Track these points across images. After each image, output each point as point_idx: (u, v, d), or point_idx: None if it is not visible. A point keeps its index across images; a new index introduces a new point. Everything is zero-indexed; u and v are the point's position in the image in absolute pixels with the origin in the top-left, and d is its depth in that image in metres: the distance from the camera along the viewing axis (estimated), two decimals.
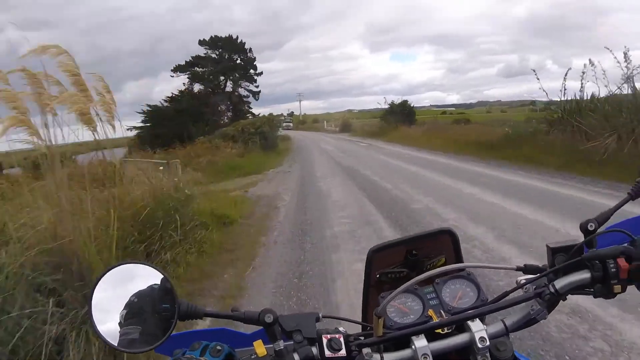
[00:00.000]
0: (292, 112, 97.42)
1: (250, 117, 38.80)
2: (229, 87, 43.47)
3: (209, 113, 36.41)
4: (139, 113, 32.21)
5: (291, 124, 69.97)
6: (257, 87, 44.63)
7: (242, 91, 44.01)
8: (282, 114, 74.64)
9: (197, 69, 41.57)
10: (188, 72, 41.12)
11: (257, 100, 45.17)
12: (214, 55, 42.53)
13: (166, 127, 29.02)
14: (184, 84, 40.95)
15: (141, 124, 32.33)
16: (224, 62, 42.09)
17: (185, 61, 41.91)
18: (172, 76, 41.39)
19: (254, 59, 44.72)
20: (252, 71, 44.62)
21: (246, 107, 43.94)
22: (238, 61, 43.33)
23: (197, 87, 41.55)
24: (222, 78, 42.18)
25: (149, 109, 32.78)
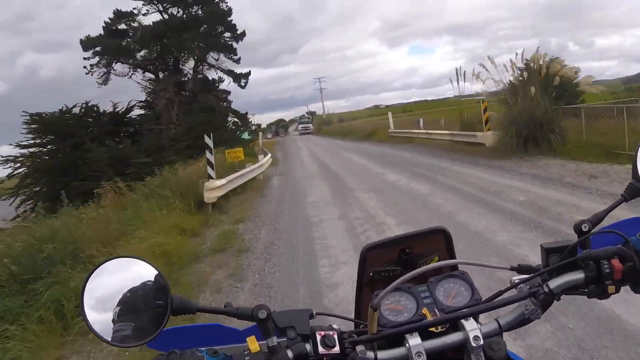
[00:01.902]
0: (313, 112, 74.65)
1: (230, 118, 27.77)
2: (188, 68, 27.16)
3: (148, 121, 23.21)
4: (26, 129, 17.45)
5: (310, 126, 52.48)
6: (236, 60, 27.68)
7: (211, 72, 28.26)
8: (302, 115, 62.84)
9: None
10: (100, 51, 24.40)
11: (242, 86, 28.51)
12: (150, 10, 25.21)
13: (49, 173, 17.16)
14: (91, 67, 24.80)
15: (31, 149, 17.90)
16: (173, 21, 25.08)
17: (104, 25, 24.72)
18: (87, 60, 24.80)
19: (229, 11, 26.66)
20: (226, 34, 27.29)
21: (221, 100, 28.53)
22: (200, 14, 25.88)
23: (122, 71, 25.68)
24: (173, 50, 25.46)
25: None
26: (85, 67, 25.12)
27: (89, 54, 24.59)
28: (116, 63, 25.66)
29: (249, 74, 29.11)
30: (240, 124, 30.12)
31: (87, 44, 24.41)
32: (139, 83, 26.21)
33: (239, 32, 27.47)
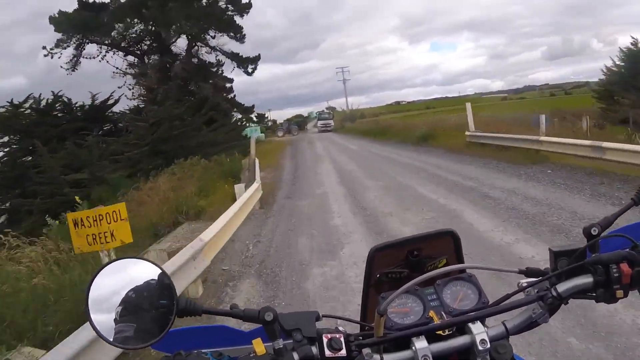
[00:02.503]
0: (333, 108, 64.19)
1: (235, 114, 23.24)
2: (178, 47, 21.43)
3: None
4: None
5: (331, 123, 44.72)
6: (242, 39, 21.82)
7: (208, 55, 22.67)
8: (321, 111, 54.08)
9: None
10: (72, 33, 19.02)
11: (249, 72, 23.17)
12: None
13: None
14: (50, 48, 19.53)
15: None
16: None
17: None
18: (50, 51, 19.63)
19: None
20: (228, 7, 21.30)
21: (220, 90, 22.85)
22: None
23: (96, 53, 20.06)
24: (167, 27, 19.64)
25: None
26: (44, 47, 19.78)
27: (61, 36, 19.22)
28: (88, 43, 20.34)
29: (258, 58, 23.22)
30: (244, 120, 25.85)
31: (58, 22, 18.23)
32: (117, 69, 20.66)
33: (243, 1, 20.25)
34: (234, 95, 25.84)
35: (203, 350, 0.74)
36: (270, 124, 50.78)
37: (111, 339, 0.70)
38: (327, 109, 60.04)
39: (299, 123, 53.16)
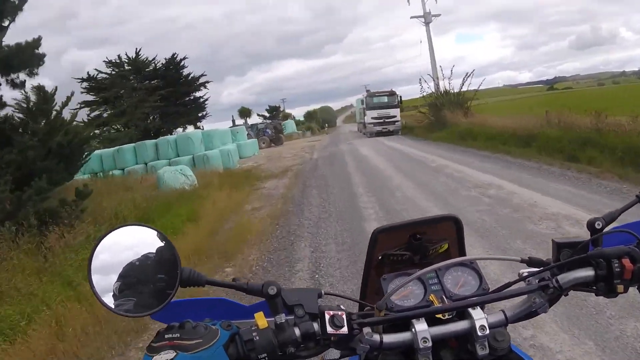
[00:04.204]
0: (393, 92, 28.86)
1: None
2: None
3: None
4: None
5: (395, 117, 26.13)
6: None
7: None
8: (371, 93, 28.22)
9: None
10: None
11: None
12: None
13: None
14: None
15: None
16: None
17: None
18: None
19: None
20: None
21: None
22: None
23: None
24: None
25: None
26: None
27: None
28: None
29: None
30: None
31: None
32: None
33: None
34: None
35: (213, 320, 0.74)
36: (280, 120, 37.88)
37: (113, 307, 0.70)
38: (378, 92, 28.43)
39: (274, 126, 33.10)
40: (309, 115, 55.69)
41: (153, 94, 26.38)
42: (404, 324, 0.78)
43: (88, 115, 25.59)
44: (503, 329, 0.79)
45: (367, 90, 28.68)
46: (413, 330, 0.76)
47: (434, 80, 23.77)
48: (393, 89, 27.70)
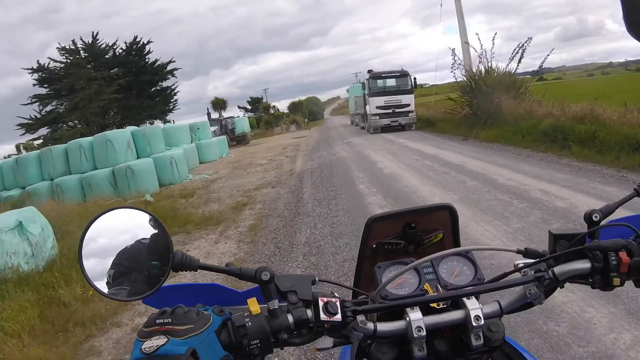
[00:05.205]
0: (405, 72, 20.84)
1: None
2: None
3: None
4: None
5: (408, 104, 19.71)
6: None
7: None
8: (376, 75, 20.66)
9: None
10: None
11: None
12: None
13: None
14: None
15: None
16: None
17: None
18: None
19: None
20: None
21: None
22: None
23: None
24: None
25: None
26: None
27: None
28: None
29: None
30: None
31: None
32: None
33: None
34: None
35: (206, 305, 0.73)
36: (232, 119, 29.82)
37: (106, 291, 0.69)
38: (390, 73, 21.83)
39: (224, 125, 28.23)
40: (294, 107, 48.96)
41: (111, 84, 23.88)
42: (398, 313, 0.78)
43: (40, 110, 23.61)
44: (498, 320, 0.79)
45: (370, 71, 20.87)
46: (407, 319, 0.76)
47: (465, 56, 16.29)
48: (404, 70, 20.82)
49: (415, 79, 20.69)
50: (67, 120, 23.62)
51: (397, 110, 19.67)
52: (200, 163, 16.44)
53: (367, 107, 21.06)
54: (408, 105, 19.79)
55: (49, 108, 24.32)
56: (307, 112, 45.83)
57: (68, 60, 24.36)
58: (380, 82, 20.68)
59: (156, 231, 0.72)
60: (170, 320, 0.65)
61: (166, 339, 0.62)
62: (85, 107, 22.68)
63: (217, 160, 17.70)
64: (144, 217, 0.73)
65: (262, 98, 54.67)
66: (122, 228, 0.72)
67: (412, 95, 20.20)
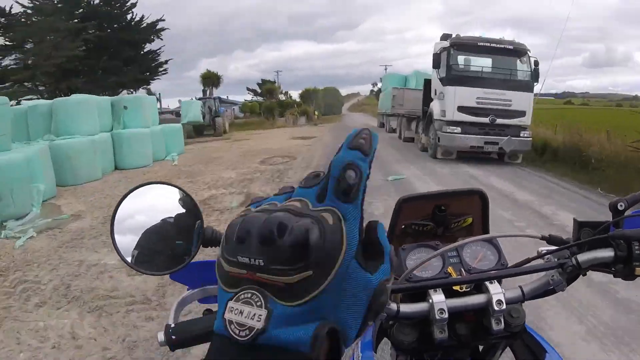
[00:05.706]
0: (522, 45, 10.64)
1: None
2: None
3: None
4: None
5: (525, 124, 10.08)
6: None
7: None
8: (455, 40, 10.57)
9: None
10: None
11: None
12: None
13: None
14: None
15: None
16: None
17: None
18: None
19: None
20: None
21: None
22: None
23: None
24: None
25: None
26: None
27: None
28: None
29: None
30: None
31: None
32: None
33: None
34: None
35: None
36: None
37: (136, 265, 0.70)
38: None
39: (208, 106, 21.89)
40: (307, 95, 39.96)
41: (76, 40, 18.25)
42: (421, 295, 0.79)
43: None
44: (519, 306, 0.80)
45: (447, 37, 11.25)
46: (430, 300, 0.77)
47: None
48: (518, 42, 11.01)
49: (536, 61, 10.68)
50: (16, 80, 17.73)
51: (498, 119, 10.27)
52: (116, 169, 10.00)
53: (437, 106, 10.98)
54: (522, 113, 10.42)
55: (6, 62, 18.82)
56: (322, 104, 38.42)
57: (34, 4, 19.25)
58: (471, 58, 10.85)
59: (187, 205, 0.73)
60: None
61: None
62: (36, 65, 17.11)
63: (151, 165, 10.74)
64: (175, 192, 0.73)
65: (274, 82, 46.67)
66: (154, 204, 0.72)
67: (532, 95, 10.65)
